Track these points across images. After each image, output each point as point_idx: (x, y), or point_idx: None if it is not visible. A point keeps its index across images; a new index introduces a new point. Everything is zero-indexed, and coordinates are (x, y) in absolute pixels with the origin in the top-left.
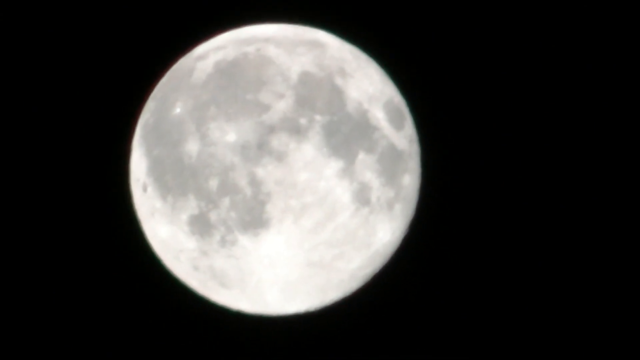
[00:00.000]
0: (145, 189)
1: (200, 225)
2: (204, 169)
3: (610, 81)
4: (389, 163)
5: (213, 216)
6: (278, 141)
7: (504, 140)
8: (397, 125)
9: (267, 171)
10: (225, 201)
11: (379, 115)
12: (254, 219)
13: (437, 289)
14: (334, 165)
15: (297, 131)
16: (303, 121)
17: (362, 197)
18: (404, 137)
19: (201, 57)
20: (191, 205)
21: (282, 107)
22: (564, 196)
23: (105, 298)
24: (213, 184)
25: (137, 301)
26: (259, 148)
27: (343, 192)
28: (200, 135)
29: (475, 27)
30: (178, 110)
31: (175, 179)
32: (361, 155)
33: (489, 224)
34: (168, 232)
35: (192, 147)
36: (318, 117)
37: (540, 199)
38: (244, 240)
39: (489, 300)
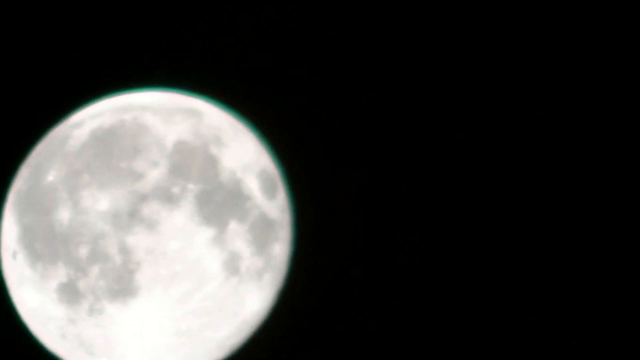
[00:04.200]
0: (15, 257)
1: (69, 294)
2: (74, 237)
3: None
4: (260, 232)
5: (82, 284)
6: (150, 210)
7: (377, 214)
8: (270, 194)
9: (137, 240)
10: (95, 269)
11: (252, 185)
12: (123, 287)
13: (305, 359)
14: (205, 234)
15: (170, 200)
16: (176, 190)
17: (231, 266)
18: (276, 207)
19: (77, 125)
20: (60, 274)
21: (155, 175)
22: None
23: None
24: (83, 252)
25: None
26: (130, 216)
27: (213, 261)
28: (72, 203)
29: (352, 99)
30: (51, 178)
31: (46, 247)
32: (232, 225)
33: (358, 294)
34: (37, 300)
35: (63, 215)
36: (191, 186)
37: (414, 270)
38: (112, 308)
39: None
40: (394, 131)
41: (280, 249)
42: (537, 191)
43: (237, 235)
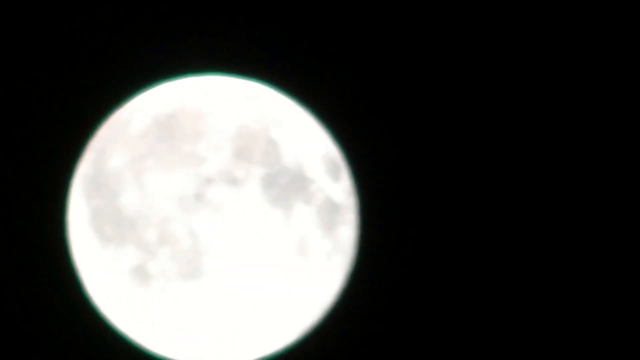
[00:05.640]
0: (86, 241)
1: (140, 276)
2: (142, 220)
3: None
4: (326, 215)
5: (152, 267)
6: (215, 193)
7: (442, 192)
8: (334, 177)
9: (204, 222)
10: (164, 252)
11: (315, 168)
12: (193, 269)
13: (375, 342)
14: (272, 217)
15: (234, 183)
16: (240, 173)
17: (299, 249)
18: (340, 190)
19: (139, 109)
20: (130, 256)
21: (219, 159)
22: (512, 248)
23: (45, 349)
24: (151, 235)
25: (77, 352)
26: (196, 199)
27: (281, 244)
28: (138, 186)
29: (413, 75)
30: (116, 161)
31: (115, 230)
32: (298, 208)
33: (427, 275)
34: (107, 282)
35: (130, 198)
36: (255, 170)
37: (485, 251)
38: (183, 290)
39: (430, 353)
40: (457, 115)
41: (347, 232)
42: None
43: (304, 218)
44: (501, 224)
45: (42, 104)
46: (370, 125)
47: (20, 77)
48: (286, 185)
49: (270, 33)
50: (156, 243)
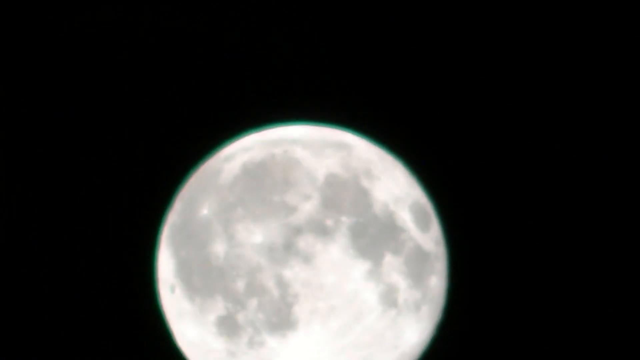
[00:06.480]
0: (173, 290)
1: (228, 327)
2: (231, 270)
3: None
4: (416, 265)
5: (241, 317)
6: (305, 242)
7: (531, 242)
8: (424, 227)
9: (294, 272)
10: (253, 302)
11: (405, 217)
12: (282, 320)
13: None
14: (361, 267)
15: (324, 232)
16: (329, 222)
17: (389, 298)
18: (430, 239)
19: (228, 159)
20: (219, 307)
21: (308, 208)
22: (595, 306)
23: None
24: (240, 285)
25: None
26: (285, 249)
27: (370, 294)
28: (227, 236)
29: (502, 128)
30: (205, 211)
31: (203, 280)
32: (388, 257)
33: (516, 326)
34: (196, 333)
35: (219, 248)
36: (344, 219)
37: (571, 305)
38: (271, 341)
39: None
40: (547, 162)
41: (437, 281)
42: None
43: (393, 267)
44: (596, 275)
45: (132, 154)
46: (462, 175)
47: (110, 126)
48: (376, 235)
49: (362, 83)
50: (245, 293)
